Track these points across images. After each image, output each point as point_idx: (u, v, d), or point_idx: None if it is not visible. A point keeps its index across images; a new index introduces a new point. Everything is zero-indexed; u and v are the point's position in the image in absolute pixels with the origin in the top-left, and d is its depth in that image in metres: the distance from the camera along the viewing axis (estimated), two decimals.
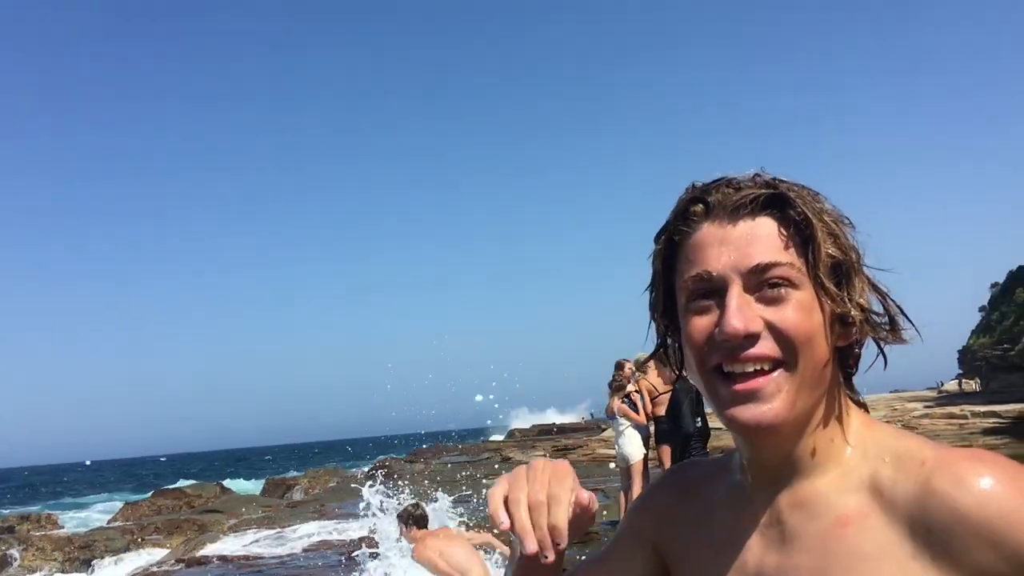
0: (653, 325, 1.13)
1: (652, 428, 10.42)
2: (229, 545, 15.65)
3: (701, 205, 1.05)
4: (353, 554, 10.30)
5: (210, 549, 15.66)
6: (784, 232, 1.00)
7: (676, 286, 1.07)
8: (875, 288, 1.04)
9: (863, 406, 1.08)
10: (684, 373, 1.11)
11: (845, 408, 1.05)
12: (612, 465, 16.76)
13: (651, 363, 10.27)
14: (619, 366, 10.63)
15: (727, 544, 1.07)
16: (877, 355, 1.06)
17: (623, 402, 10.28)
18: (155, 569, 13.80)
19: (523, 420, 59.01)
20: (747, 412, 0.98)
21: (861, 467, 1.01)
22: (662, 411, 9.86)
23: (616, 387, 10.40)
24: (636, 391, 10.34)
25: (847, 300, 1.00)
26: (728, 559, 1.06)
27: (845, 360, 1.07)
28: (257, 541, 15.43)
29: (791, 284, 0.99)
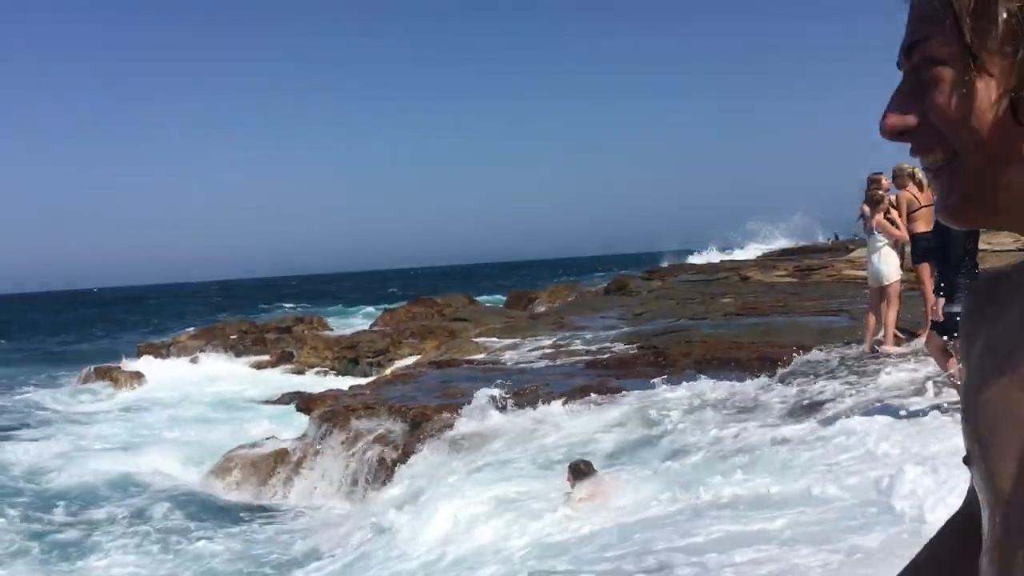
0: None
1: (908, 247, 9.79)
2: (475, 350, 16.74)
3: None
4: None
5: (459, 353, 16.84)
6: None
7: None
8: None
9: None
10: None
11: None
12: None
13: (909, 174, 9.45)
14: (874, 180, 9.90)
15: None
16: None
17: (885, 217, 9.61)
18: (411, 370, 15.06)
19: (765, 243, 57.20)
20: (938, 212, 0.86)
21: None
22: (922, 227, 9.16)
23: (874, 200, 9.69)
24: (893, 206, 9.65)
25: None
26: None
27: None
28: (500, 348, 16.37)
29: (941, 62, 0.79)
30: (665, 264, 49.84)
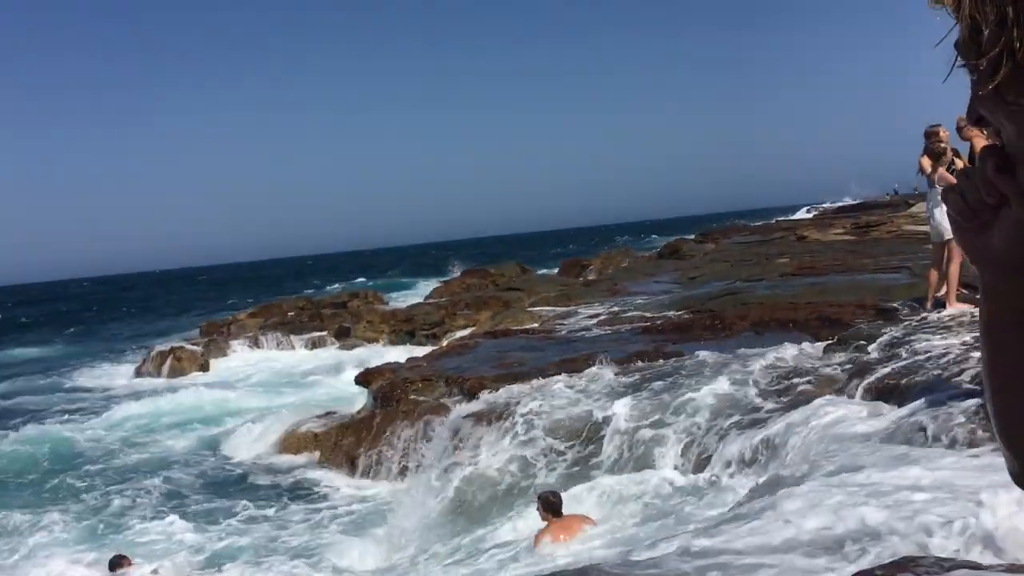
0: None
1: None
2: (529, 319, 16.76)
3: None
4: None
5: (513, 323, 16.89)
6: None
7: None
8: None
9: None
10: None
11: None
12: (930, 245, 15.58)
13: (971, 126, 9.15)
14: (932, 133, 9.60)
15: None
16: None
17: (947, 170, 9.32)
18: (467, 340, 15.14)
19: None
20: None
21: None
22: None
23: (935, 154, 9.40)
24: (958, 155, 9.37)
25: None
26: None
27: None
28: (555, 316, 16.38)
29: None
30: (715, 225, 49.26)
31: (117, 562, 8.28)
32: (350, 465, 11.36)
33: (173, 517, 10.37)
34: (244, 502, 10.88)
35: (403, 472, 10.44)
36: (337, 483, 11.09)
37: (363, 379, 12.81)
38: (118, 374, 25.30)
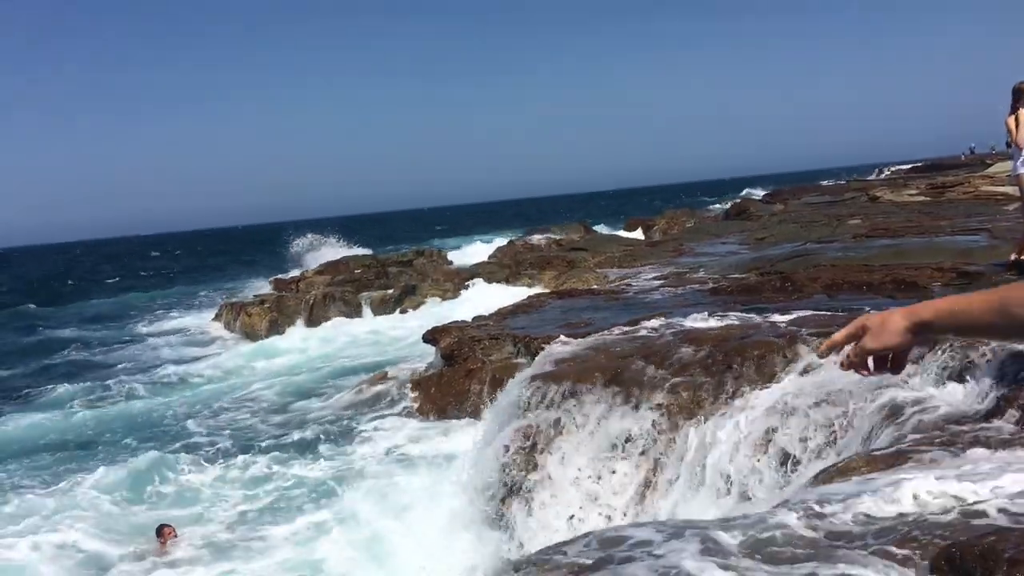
0: None
1: None
2: (594, 280, 16.73)
3: None
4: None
5: (578, 283, 16.89)
6: None
7: None
8: None
9: None
10: None
11: None
12: (1012, 207, 15.13)
13: None
14: (1020, 91, 9.25)
15: None
16: None
17: None
18: (533, 300, 15.19)
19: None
20: None
21: None
22: None
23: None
24: None
25: None
26: None
27: None
28: (620, 277, 16.31)
29: None
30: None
31: (161, 531, 8.63)
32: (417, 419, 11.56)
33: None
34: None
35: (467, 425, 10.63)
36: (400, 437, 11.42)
37: (431, 337, 12.97)
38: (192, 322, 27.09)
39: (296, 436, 12.28)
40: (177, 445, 12.49)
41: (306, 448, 11.59)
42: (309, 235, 39.67)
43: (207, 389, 16.60)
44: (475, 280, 22.94)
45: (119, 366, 20.83)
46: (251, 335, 22.84)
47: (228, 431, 13.04)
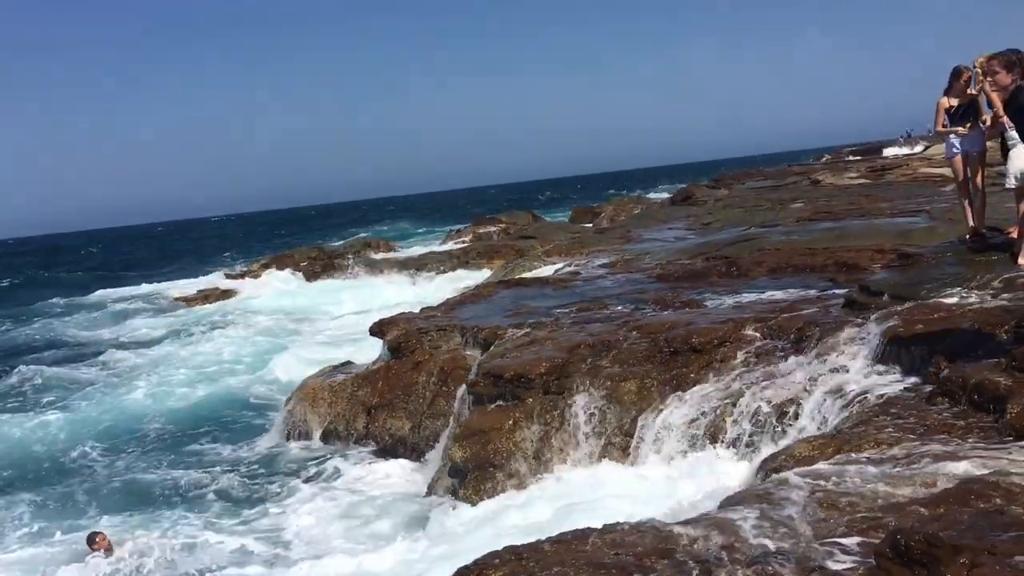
0: None
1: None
2: (543, 267, 16.71)
3: None
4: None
5: (527, 271, 16.85)
6: None
7: None
8: None
9: None
10: None
11: None
12: (949, 187, 15.31)
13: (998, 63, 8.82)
14: (959, 73, 9.26)
15: None
16: None
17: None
18: (482, 289, 15.10)
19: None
20: None
21: None
22: None
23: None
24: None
25: None
26: None
27: None
28: (568, 264, 16.31)
29: None
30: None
31: (92, 539, 8.33)
32: (364, 420, 11.36)
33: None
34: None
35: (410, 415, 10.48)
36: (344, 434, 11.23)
37: (378, 329, 12.78)
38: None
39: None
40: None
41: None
42: None
43: None
44: (424, 271, 22.82)
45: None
46: None
47: None
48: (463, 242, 28.59)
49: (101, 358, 19.23)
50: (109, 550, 8.14)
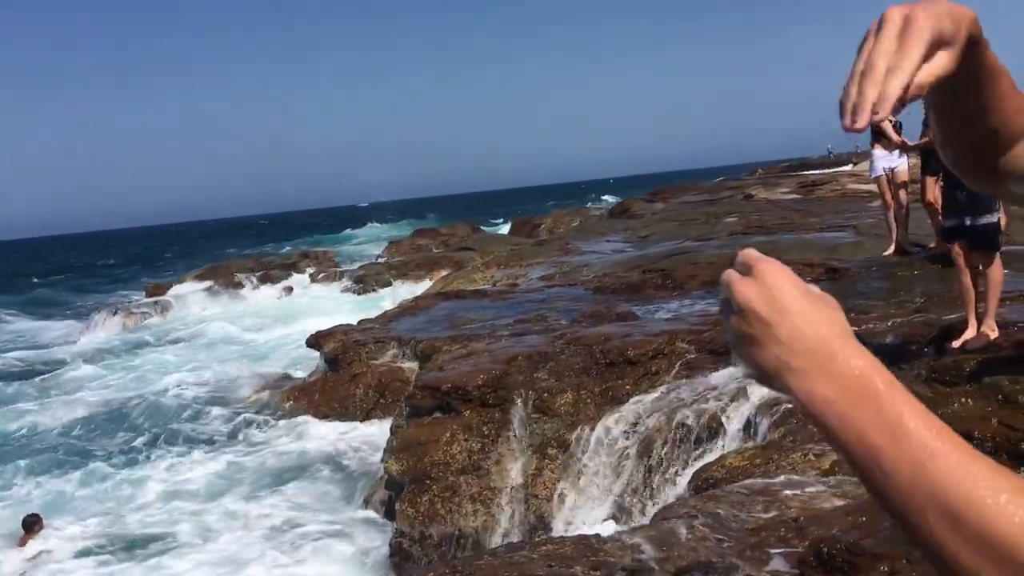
0: None
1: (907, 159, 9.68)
2: (482, 279, 16.73)
3: None
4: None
5: (466, 283, 16.85)
6: None
7: None
8: None
9: None
10: None
11: None
12: (875, 203, 15.84)
13: None
14: None
15: None
16: None
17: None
18: (419, 301, 15.07)
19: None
20: None
21: None
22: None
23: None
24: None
25: None
26: None
27: None
28: (507, 276, 16.37)
29: None
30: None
31: (31, 523, 8.29)
32: (300, 429, 11.28)
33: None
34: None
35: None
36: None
37: (314, 341, 12.69)
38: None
39: None
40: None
41: None
42: None
43: None
44: (362, 283, 22.65)
45: None
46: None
47: None
48: (402, 254, 28.47)
49: None
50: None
